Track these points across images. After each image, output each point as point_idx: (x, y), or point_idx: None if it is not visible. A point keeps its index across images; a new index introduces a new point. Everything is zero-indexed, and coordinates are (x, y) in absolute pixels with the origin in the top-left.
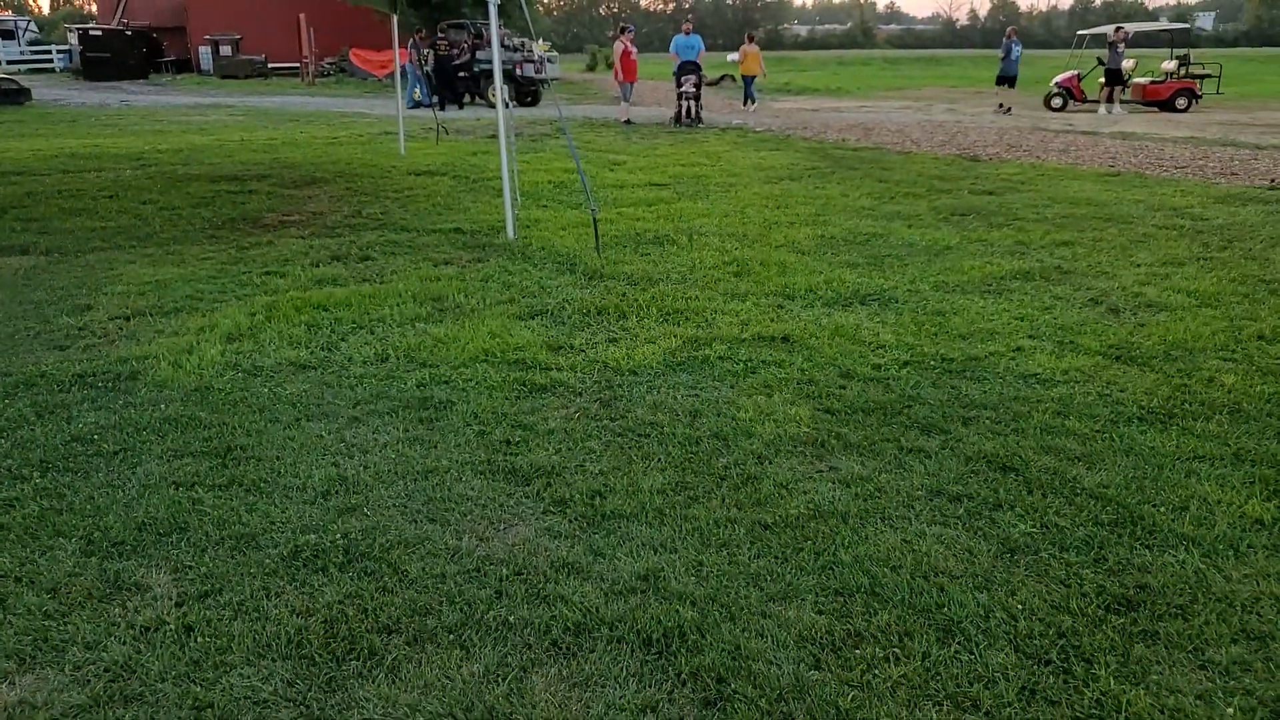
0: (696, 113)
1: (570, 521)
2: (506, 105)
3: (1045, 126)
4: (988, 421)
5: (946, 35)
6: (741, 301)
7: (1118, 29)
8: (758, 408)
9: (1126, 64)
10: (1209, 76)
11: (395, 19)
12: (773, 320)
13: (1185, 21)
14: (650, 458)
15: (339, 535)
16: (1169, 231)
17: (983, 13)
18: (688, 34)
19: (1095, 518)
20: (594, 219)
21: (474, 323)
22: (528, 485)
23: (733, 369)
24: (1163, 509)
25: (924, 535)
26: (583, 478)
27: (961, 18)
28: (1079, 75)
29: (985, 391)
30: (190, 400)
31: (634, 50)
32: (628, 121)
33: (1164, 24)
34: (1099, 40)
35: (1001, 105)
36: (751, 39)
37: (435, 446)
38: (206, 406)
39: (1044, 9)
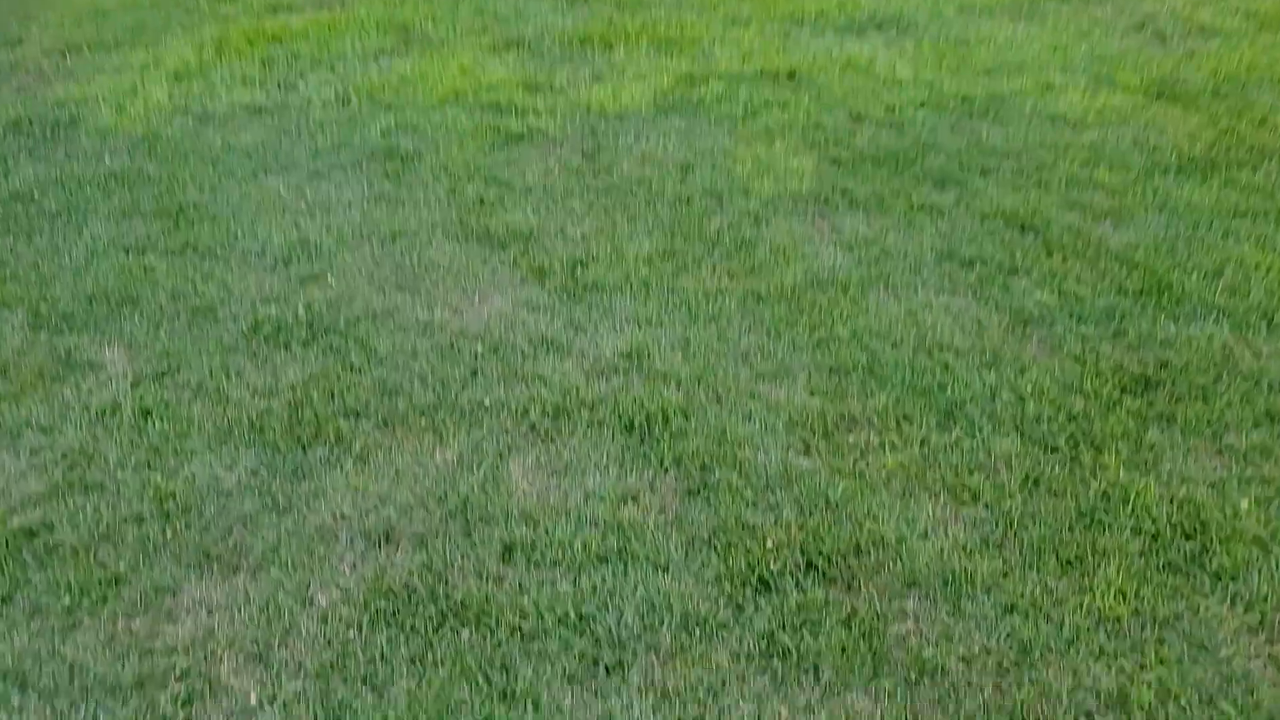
0: None
1: (549, 293)
2: None
3: None
4: (1009, 172)
5: None
6: (744, 28)
7: None
8: (757, 160)
9: None
10: None
11: None
12: (778, 52)
13: None
14: (636, 220)
15: (302, 307)
16: None
17: None
18: None
19: (1119, 285)
20: None
21: (443, 56)
22: (504, 251)
23: (731, 112)
24: (1194, 275)
25: (930, 306)
26: (563, 243)
27: None
28: None
29: (1008, 137)
30: (137, 151)
31: None
32: None
33: None
34: None
35: None
36: None
37: (403, 205)
38: (155, 158)
39: None
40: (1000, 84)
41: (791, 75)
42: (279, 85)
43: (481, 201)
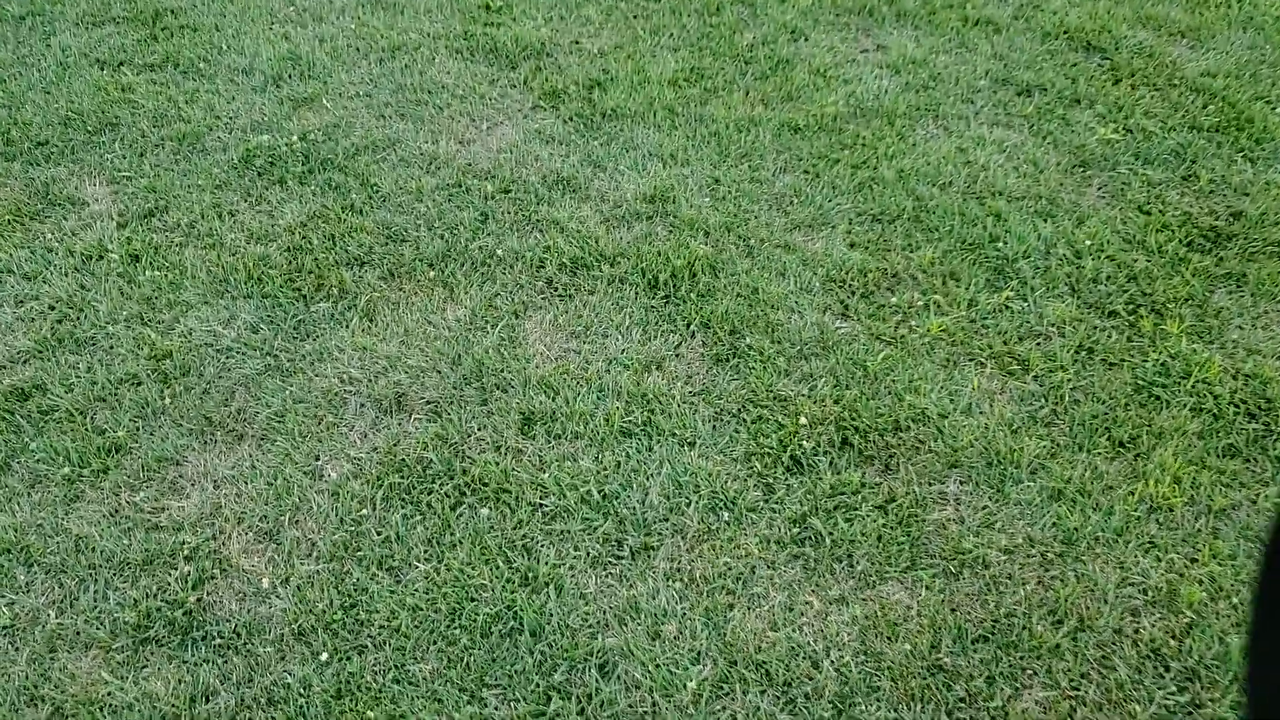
0: None
1: (565, 122)
2: None
3: None
4: None
5: None
6: None
7: None
8: None
9: None
10: None
11: None
12: None
13: None
14: (660, 32)
15: (297, 136)
16: None
17: None
18: None
19: (1192, 119)
20: None
21: None
22: (513, 70)
23: None
24: (1278, 107)
25: (983, 142)
26: (578, 60)
27: None
28: None
29: None
30: None
31: None
32: None
33: None
34: None
35: None
36: None
37: (402, 12)
38: None
39: None
40: None
41: None
42: None
43: (488, 7)
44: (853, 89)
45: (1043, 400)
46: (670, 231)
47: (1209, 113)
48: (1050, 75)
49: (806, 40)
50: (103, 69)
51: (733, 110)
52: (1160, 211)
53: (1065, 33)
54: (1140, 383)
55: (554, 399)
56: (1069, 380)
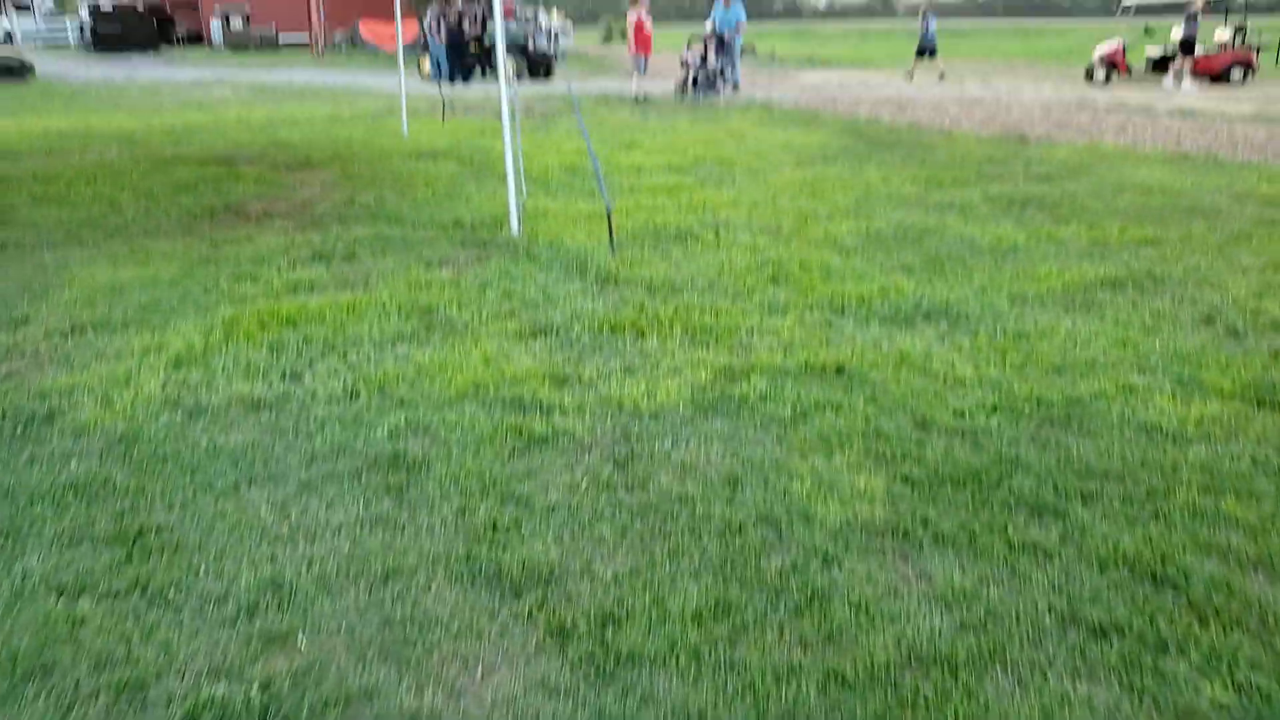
0: (711, 78)
1: (572, 667)
2: (512, 81)
3: (1093, 102)
4: (1115, 500)
5: (968, 6)
6: (782, 316)
7: None
8: (815, 475)
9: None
10: (1264, 49)
11: None
12: (822, 343)
13: None
14: (679, 555)
15: (257, 686)
16: (1269, 227)
17: None
18: (727, 5)
19: None
20: (609, 215)
21: (466, 345)
22: (517, 599)
23: (778, 414)
24: None
25: (1067, 700)
26: (590, 587)
27: None
28: (1123, 46)
29: (1101, 452)
30: (110, 455)
31: (648, 21)
32: (644, 98)
33: None
34: (1145, 10)
35: (911, 75)
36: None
37: (403, 531)
38: (127, 464)
39: None
40: (1075, 385)
41: (840, 370)
42: (284, 375)
43: (494, 527)
44: (901, 629)
45: None
46: None
47: None
48: (1123, 613)
49: (841, 567)
50: (60, 598)
51: (767, 653)
52: None
53: (1123, 559)
54: None
55: None
56: None
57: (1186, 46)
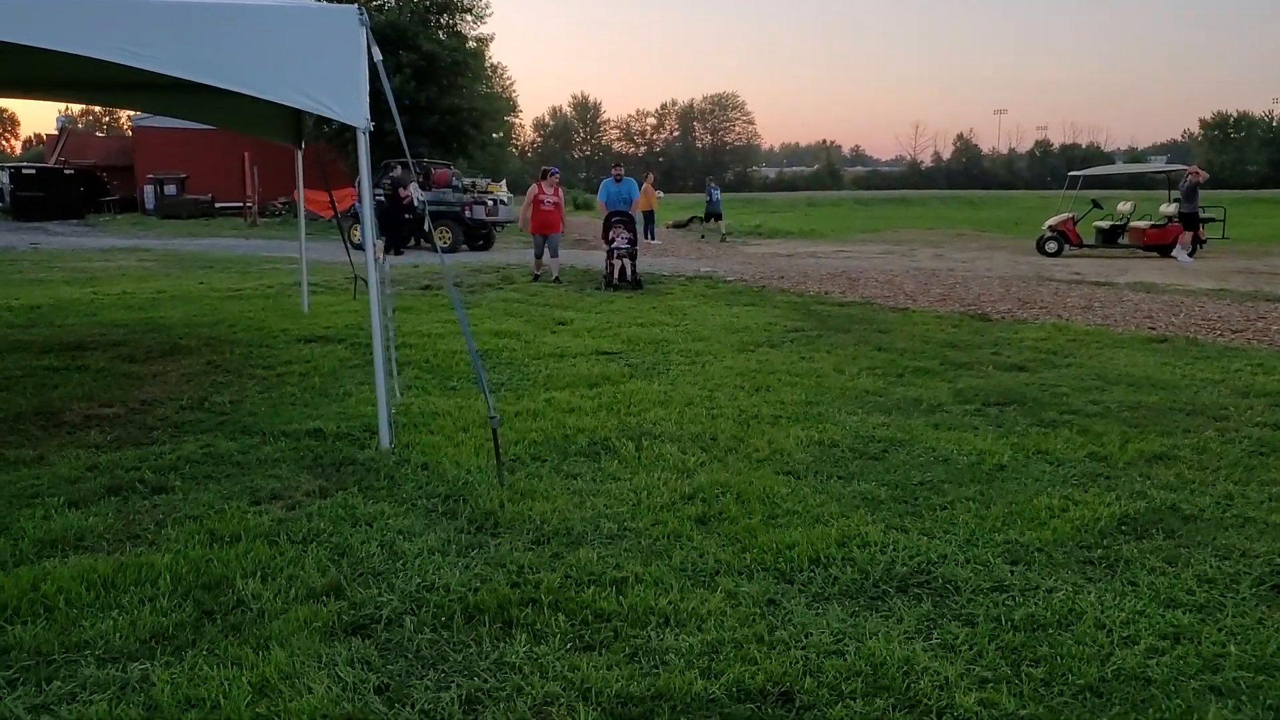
0: (633, 274)
1: None
2: (386, 255)
3: (1051, 275)
4: None
5: (912, 176)
6: (709, 591)
7: (1193, 170)
8: None
9: (1123, 207)
10: (1212, 220)
11: (299, 155)
12: (760, 646)
13: (1141, 163)
14: None
15: None
16: None
17: (946, 154)
18: (619, 180)
19: None
20: (495, 434)
21: (244, 652)
22: None
23: None
24: None
25: None
26: None
27: (925, 159)
28: (1074, 218)
29: None
30: None
31: (549, 196)
32: (552, 279)
33: (1162, 165)
34: (1092, 180)
35: (718, 235)
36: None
37: None
38: None
39: (1005, 151)
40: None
41: (786, 700)
42: None
43: None
44: None
45: None
46: None
47: None
48: None
49: None
50: None
51: None
52: None
53: None
54: None
55: None
56: None
57: (1189, 221)
